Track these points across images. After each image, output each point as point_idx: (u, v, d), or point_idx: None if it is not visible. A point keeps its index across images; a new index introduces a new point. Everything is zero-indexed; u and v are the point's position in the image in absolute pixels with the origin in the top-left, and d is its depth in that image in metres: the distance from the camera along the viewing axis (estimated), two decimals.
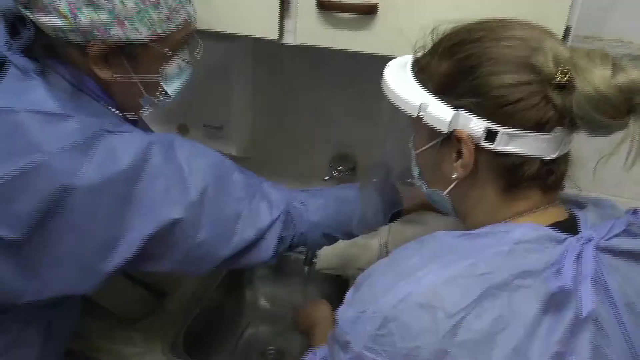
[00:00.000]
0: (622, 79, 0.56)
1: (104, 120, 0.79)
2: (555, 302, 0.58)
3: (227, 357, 1.36)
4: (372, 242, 1.47)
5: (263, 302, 1.51)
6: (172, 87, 0.91)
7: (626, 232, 0.65)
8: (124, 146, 0.77)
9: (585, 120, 0.59)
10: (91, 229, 0.75)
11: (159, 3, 0.80)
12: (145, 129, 0.99)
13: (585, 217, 0.67)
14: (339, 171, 1.39)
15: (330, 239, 1.05)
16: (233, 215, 0.87)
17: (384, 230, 1.47)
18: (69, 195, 0.72)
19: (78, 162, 0.73)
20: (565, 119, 0.61)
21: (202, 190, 0.82)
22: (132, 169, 0.76)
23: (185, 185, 0.81)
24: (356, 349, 0.62)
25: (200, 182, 0.83)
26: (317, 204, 1.00)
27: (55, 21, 0.76)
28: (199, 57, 0.93)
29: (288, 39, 0.98)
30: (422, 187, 0.77)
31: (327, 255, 1.43)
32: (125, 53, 0.82)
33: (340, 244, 1.44)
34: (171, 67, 0.88)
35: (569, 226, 0.66)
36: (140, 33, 0.80)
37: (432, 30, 0.71)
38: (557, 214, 0.68)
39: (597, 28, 1.11)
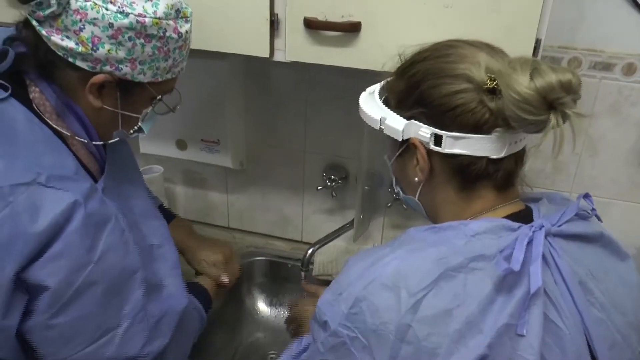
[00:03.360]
0: (539, 82, 0.63)
1: (44, 169, 0.77)
2: (507, 283, 0.64)
3: None
4: (366, 248, 1.53)
5: (262, 308, 1.55)
6: (147, 127, 0.94)
7: (577, 216, 0.73)
8: (49, 204, 0.75)
9: (514, 119, 0.66)
10: None
11: (168, 55, 0.86)
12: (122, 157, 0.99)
13: (538, 208, 0.75)
14: (332, 180, 1.45)
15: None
16: (105, 325, 0.83)
17: (377, 236, 1.52)
18: None
19: None
20: (499, 120, 0.68)
21: (92, 282, 0.79)
22: (48, 230, 0.75)
23: (80, 266, 0.78)
24: (332, 327, 0.70)
25: (96, 275, 0.80)
26: None
27: (70, 44, 0.79)
28: (178, 108, 0.98)
29: (278, 57, 1.04)
30: (399, 193, 0.85)
31: (323, 262, 1.48)
32: (122, 88, 0.85)
33: (336, 250, 1.50)
34: (152, 110, 0.92)
35: (523, 216, 0.73)
36: (145, 75, 0.85)
37: (399, 55, 0.80)
38: (514, 208, 0.75)
39: (570, 38, 1.17)
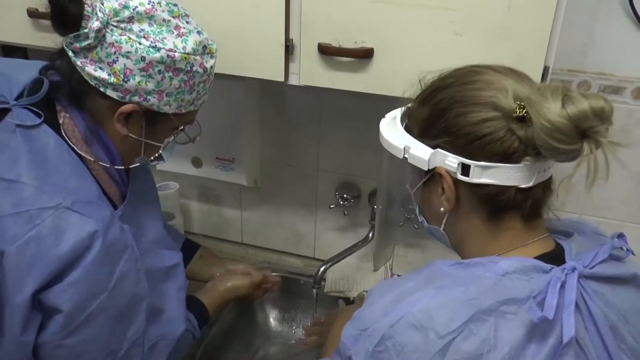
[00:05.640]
0: (571, 109, 0.61)
1: (70, 193, 0.81)
2: (540, 329, 0.63)
3: None
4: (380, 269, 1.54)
5: (274, 324, 1.57)
6: (167, 155, 0.98)
7: (611, 257, 0.70)
8: (73, 229, 0.78)
9: (545, 148, 0.64)
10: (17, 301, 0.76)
11: (193, 88, 0.89)
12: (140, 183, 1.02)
13: (570, 247, 0.72)
14: (345, 199, 1.47)
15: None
16: (110, 347, 0.85)
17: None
18: (5, 259, 0.76)
19: (22, 230, 0.76)
20: (529, 149, 0.67)
21: (104, 308, 0.82)
22: (68, 254, 0.77)
23: (95, 293, 0.81)
24: None
25: (109, 302, 0.82)
26: None
27: (102, 75, 0.83)
28: (198, 139, 1.01)
29: (293, 81, 1.06)
30: (423, 223, 0.83)
31: (335, 279, 1.50)
32: (147, 117, 0.89)
33: (348, 267, 1.51)
34: (173, 139, 0.96)
35: (555, 256, 0.71)
36: (170, 107, 0.89)
37: (420, 81, 0.79)
38: (544, 246, 0.73)
39: (580, 61, 1.19)
